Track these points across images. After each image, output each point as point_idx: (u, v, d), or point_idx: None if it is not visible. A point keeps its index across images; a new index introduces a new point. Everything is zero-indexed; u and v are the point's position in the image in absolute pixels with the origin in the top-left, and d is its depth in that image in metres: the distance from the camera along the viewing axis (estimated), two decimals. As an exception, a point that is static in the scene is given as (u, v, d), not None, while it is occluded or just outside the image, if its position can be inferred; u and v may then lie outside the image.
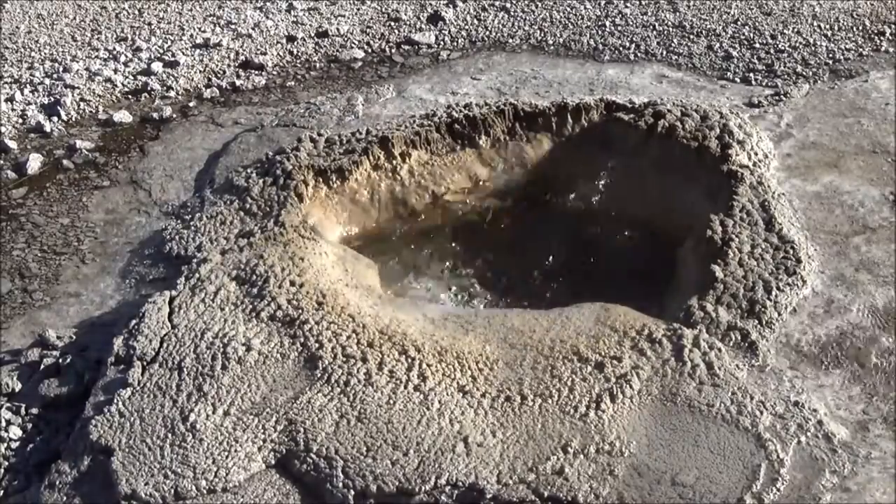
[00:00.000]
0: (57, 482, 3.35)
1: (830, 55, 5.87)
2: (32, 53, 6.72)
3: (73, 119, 5.96)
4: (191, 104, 6.05)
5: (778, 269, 3.99)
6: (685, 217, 4.62)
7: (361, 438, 3.34)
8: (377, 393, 3.52)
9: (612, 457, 3.23)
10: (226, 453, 3.34)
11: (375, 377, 3.58)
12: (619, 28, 6.45)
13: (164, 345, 3.80)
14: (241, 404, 3.51)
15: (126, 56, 6.61)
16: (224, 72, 6.40)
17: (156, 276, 4.46)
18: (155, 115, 5.90)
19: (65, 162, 5.47)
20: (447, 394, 3.50)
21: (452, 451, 3.27)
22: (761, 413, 3.36)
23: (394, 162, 4.97)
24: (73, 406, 3.72)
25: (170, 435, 3.41)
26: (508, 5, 6.91)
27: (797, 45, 6.02)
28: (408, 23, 6.80)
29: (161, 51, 6.68)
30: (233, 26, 6.95)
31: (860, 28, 6.11)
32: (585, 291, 4.25)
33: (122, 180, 5.32)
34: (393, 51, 6.51)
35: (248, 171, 4.98)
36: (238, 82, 6.25)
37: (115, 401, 3.57)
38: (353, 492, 3.19)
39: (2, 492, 3.45)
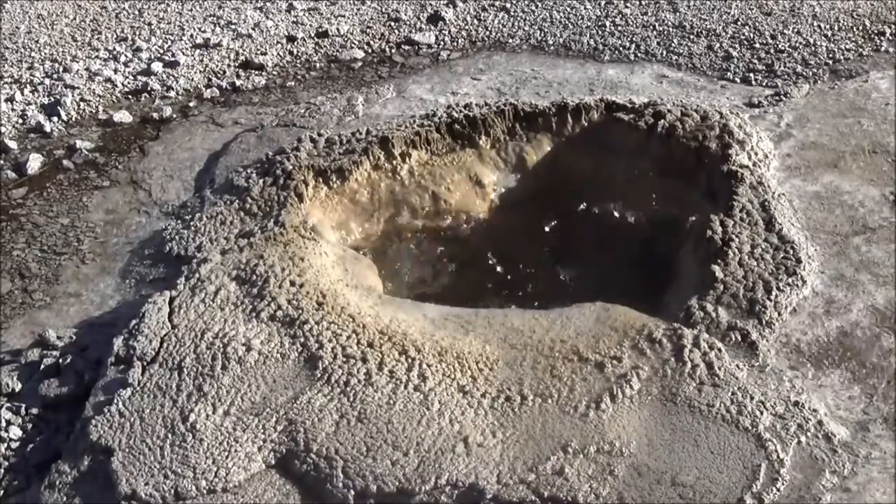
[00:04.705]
0: (57, 482, 3.35)
1: (830, 55, 5.87)
2: (32, 53, 6.72)
3: (73, 119, 5.95)
4: (191, 104, 6.05)
5: (778, 270, 3.99)
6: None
7: (361, 438, 3.34)
8: (377, 393, 3.51)
9: (612, 457, 3.23)
10: (226, 453, 3.34)
11: (375, 377, 3.57)
12: (619, 28, 6.44)
13: (164, 345, 3.80)
14: (241, 404, 3.51)
15: (126, 56, 6.61)
16: (224, 72, 6.40)
17: (156, 276, 4.46)
18: (155, 115, 5.90)
19: (65, 162, 5.47)
20: (447, 394, 3.50)
21: (452, 452, 3.27)
22: (761, 413, 3.35)
23: (394, 162, 4.97)
24: (73, 406, 3.72)
25: (170, 435, 3.41)
26: (508, 5, 6.90)
27: (797, 45, 6.01)
28: (408, 23, 6.80)
29: (161, 51, 6.68)
30: (233, 26, 6.95)
31: (860, 28, 6.11)
32: (585, 290, 4.25)
33: (122, 180, 5.32)
34: (393, 51, 6.51)
35: (248, 171, 4.98)
36: (238, 82, 6.25)
37: (115, 401, 3.57)
38: (353, 492, 3.19)
39: (2, 492, 3.45)
